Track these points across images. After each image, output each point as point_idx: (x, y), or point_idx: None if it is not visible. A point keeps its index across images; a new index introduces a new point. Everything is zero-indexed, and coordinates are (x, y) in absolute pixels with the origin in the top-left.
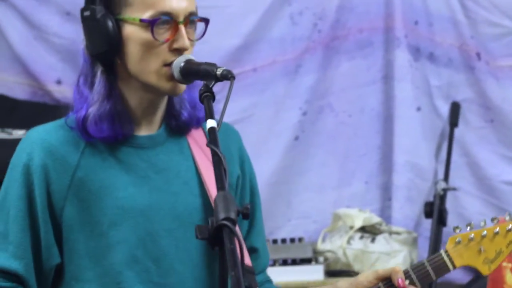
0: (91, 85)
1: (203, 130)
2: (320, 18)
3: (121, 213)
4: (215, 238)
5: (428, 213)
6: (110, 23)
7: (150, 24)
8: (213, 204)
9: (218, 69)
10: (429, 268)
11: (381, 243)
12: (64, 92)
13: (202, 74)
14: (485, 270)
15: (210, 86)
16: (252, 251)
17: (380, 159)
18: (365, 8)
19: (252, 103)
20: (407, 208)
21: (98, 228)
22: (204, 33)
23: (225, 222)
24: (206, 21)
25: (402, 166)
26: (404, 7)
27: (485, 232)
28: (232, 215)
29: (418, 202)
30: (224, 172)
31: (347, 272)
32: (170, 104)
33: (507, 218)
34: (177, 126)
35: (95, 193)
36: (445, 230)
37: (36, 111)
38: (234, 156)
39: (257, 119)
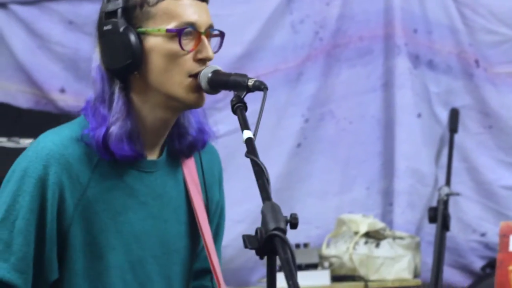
0: (109, 103)
1: (198, 154)
2: (321, 27)
3: (119, 237)
4: (265, 248)
5: (432, 218)
6: (133, 36)
7: (178, 34)
8: (200, 229)
9: (250, 80)
10: None
11: (386, 248)
12: (68, 100)
13: (232, 85)
14: None
15: (242, 97)
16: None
17: (381, 165)
18: (365, 17)
19: (254, 110)
20: (408, 213)
21: (98, 250)
22: (220, 46)
23: (276, 232)
24: (222, 34)
25: (403, 172)
26: (403, 15)
27: None
28: (282, 225)
29: (419, 207)
30: (267, 182)
31: (353, 277)
32: (177, 124)
33: None
34: (180, 148)
35: (99, 214)
36: (448, 234)
37: (40, 119)
38: (216, 179)
39: (260, 126)
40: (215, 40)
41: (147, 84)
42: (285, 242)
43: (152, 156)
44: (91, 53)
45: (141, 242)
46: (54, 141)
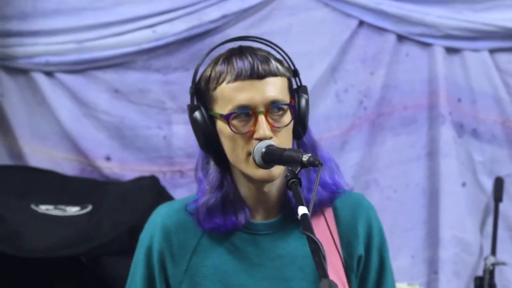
0: (207, 174)
1: (333, 208)
2: (366, 96)
3: None
4: None
5: None
6: (203, 119)
7: (226, 119)
8: None
9: (304, 156)
10: None
11: None
12: (113, 168)
13: (286, 160)
14: None
15: (296, 172)
16: None
17: (425, 233)
18: (410, 86)
19: None
20: (454, 282)
21: None
22: (291, 119)
23: None
24: (292, 106)
25: (448, 241)
26: (448, 85)
27: None
28: None
29: (464, 276)
30: (324, 259)
31: None
32: (283, 189)
33: None
34: (292, 212)
35: (209, 278)
36: None
37: (86, 187)
38: (359, 234)
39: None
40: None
41: (230, 160)
42: None
43: (267, 219)
44: (136, 121)
45: None
46: (161, 212)
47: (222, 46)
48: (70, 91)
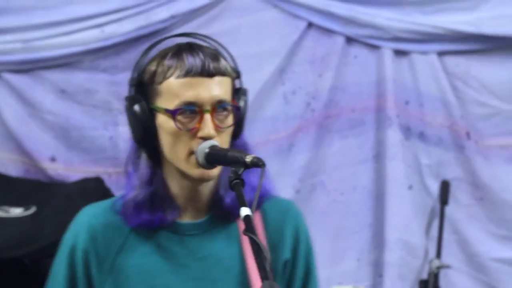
0: (137, 169)
1: (261, 212)
2: (313, 98)
3: None
4: None
5: None
6: (144, 112)
7: (172, 114)
8: None
9: (247, 156)
10: None
11: None
12: (58, 169)
13: (229, 161)
14: None
15: (239, 173)
16: None
17: (371, 236)
18: (358, 88)
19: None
20: (398, 285)
21: None
22: (235, 119)
23: None
24: (237, 108)
25: (394, 244)
26: (395, 88)
27: None
28: None
29: (409, 279)
30: (265, 260)
31: None
32: (215, 188)
33: None
34: (221, 213)
35: (133, 278)
36: None
37: (30, 188)
38: (286, 239)
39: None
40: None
41: (165, 156)
42: None
43: (195, 219)
44: (82, 122)
45: None
46: (88, 212)
47: (164, 42)
48: (16, 91)
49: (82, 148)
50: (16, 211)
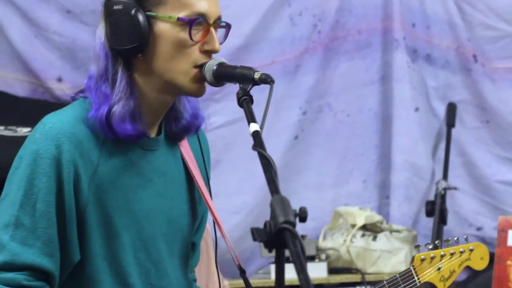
0: (112, 82)
1: (197, 138)
2: (320, 19)
3: (131, 216)
4: (274, 241)
5: (429, 212)
6: (142, 19)
7: (189, 24)
8: (208, 206)
9: (256, 73)
10: (400, 282)
11: (383, 241)
12: (65, 89)
13: (237, 78)
14: (441, 287)
15: (248, 89)
16: (192, 246)
17: (378, 158)
18: (364, 10)
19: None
20: (405, 206)
21: (112, 228)
22: (225, 37)
23: (286, 225)
24: (229, 26)
25: (400, 165)
26: (402, 10)
27: (443, 252)
28: (292, 218)
29: (415, 200)
30: (275, 174)
31: (349, 270)
32: (172, 108)
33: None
34: (176, 130)
35: (111, 193)
36: (445, 228)
37: (37, 108)
38: (209, 161)
39: (257, 118)
40: (221, 31)
41: (151, 68)
42: (295, 235)
43: (152, 135)
44: (88, 43)
45: (151, 220)
46: (62, 120)
47: None
48: (21, 11)
49: (88, 68)
50: (24, 130)
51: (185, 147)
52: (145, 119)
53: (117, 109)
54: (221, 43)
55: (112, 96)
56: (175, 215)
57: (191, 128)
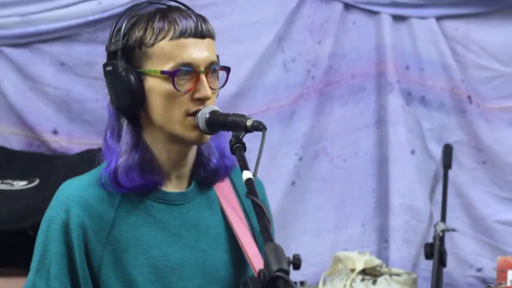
0: (118, 137)
1: (230, 180)
2: (313, 65)
3: (154, 272)
4: None
5: (428, 255)
6: (132, 77)
7: (171, 76)
8: (247, 256)
9: (248, 120)
10: None
11: (383, 285)
12: (60, 141)
13: (230, 125)
14: None
15: (240, 137)
16: None
17: (375, 202)
18: (357, 55)
19: (248, 149)
20: (404, 249)
21: (134, 285)
22: (225, 81)
23: (279, 273)
24: (227, 69)
25: (398, 208)
26: (395, 53)
27: None
28: (285, 266)
29: (414, 243)
30: (269, 222)
31: None
32: (198, 152)
33: None
34: (205, 176)
35: (130, 251)
36: (445, 270)
37: (33, 161)
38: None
39: (254, 165)
40: (222, 75)
41: (153, 122)
42: (288, 283)
43: (180, 188)
44: (83, 94)
45: (179, 274)
46: (73, 186)
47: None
48: (16, 65)
49: (83, 120)
50: (20, 184)
51: (226, 194)
52: (166, 171)
53: (122, 161)
54: (221, 87)
55: (118, 150)
56: (211, 266)
57: (220, 169)
